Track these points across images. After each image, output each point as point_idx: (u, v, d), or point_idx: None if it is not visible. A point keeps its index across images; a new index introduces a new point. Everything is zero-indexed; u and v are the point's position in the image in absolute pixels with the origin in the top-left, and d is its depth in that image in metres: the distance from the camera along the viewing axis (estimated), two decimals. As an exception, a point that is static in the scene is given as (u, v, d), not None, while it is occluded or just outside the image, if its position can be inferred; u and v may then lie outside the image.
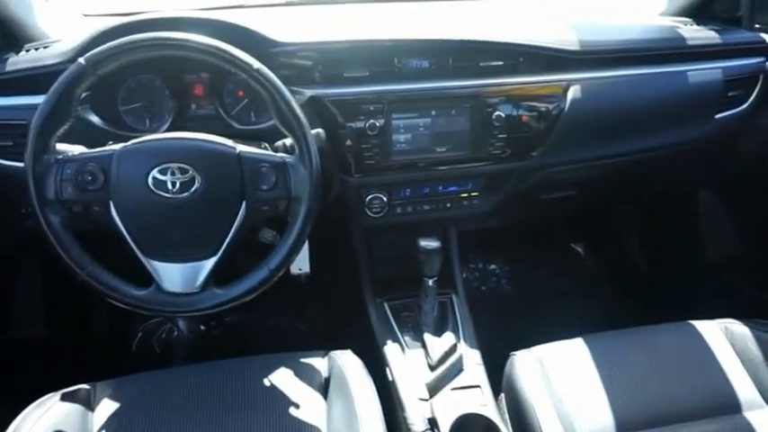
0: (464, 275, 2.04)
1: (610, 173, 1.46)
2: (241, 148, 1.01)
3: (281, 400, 0.99)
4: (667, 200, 1.81)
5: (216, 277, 1.01)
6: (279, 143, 1.11)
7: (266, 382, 1.02)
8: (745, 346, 1.10)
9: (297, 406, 0.99)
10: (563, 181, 1.44)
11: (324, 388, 1.04)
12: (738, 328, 1.13)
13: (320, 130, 1.11)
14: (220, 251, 1.00)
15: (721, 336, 1.12)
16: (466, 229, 1.52)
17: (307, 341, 1.60)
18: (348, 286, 1.47)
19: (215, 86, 1.24)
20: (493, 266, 2.10)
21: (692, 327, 1.14)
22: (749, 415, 1.00)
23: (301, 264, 1.32)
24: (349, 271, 1.44)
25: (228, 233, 0.99)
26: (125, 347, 1.85)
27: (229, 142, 1.01)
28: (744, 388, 1.04)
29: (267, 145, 1.11)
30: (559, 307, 1.85)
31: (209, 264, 0.99)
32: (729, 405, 1.02)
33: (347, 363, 1.06)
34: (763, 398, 1.03)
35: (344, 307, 1.58)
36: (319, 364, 1.08)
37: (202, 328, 1.94)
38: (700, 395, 1.02)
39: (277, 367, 1.05)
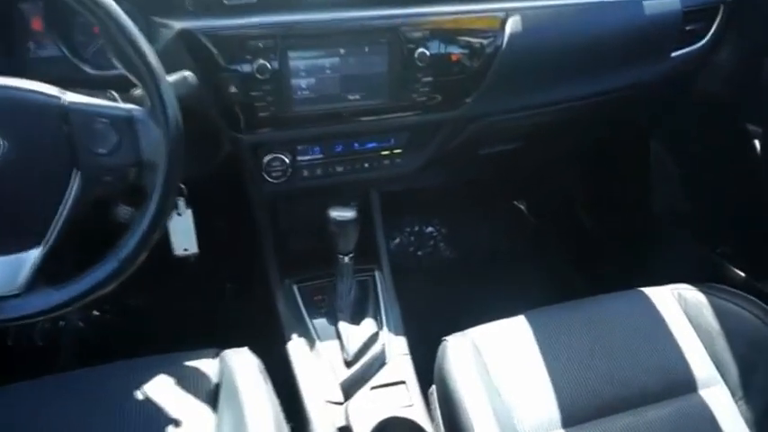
0: (397, 240, 1.85)
1: (554, 122, 1.28)
2: (70, 97, 0.74)
3: (158, 417, 0.85)
4: (615, 151, 1.64)
5: (47, 273, 0.76)
6: (135, 92, 0.85)
7: (144, 392, 0.88)
8: (699, 313, 1.01)
9: (177, 423, 0.84)
10: (502, 132, 1.24)
11: (213, 396, 0.88)
12: (692, 294, 1.04)
13: (187, 74, 0.85)
14: (49, 238, 0.75)
15: (674, 303, 1.03)
16: (391, 188, 1.30)
17: (210, 329, 1.37)
18: (250, 267, 1.24)
19: (58, 19, 0.95)
20: (430, 229, 1.92)
21: (643, 295, 1.04)
22: (706, 393, 0.93)
23: (186, 242, 1.08)
24: (251, 248, 1.20)
25: (57, 214, 0.74)
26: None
27: (54, 90, 0.74)
28: (700, 362, 0.96)
29: (116, 95, 0.84)
30: (502, 274, 1.69)
31: (34, 256, 0.74)
32: (685, 383, 0.93)
33: (241, 364, 0.90)
34: (719, 372, 0.95)
35: (247, 292, 1.35)
36: (209, 367, 0.91)
37: (95, 313, 1.68)
38: (654, 374, 0.93)
39: (157, 373, 0.90)
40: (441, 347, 0.98)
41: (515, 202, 2.00)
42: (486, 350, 0.95)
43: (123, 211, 0.87)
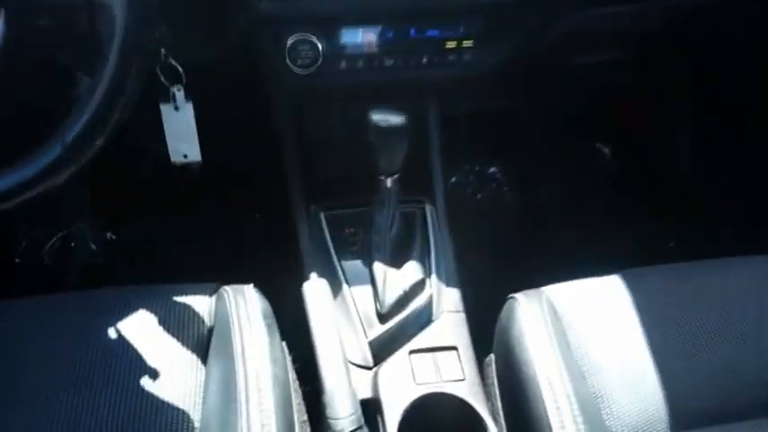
0: (453, 180, 1.57)
1: (671, 27, 0.95)
2: None
3: (138, 368, 0.70)
4: (744, 92, 1.29)
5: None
6: None
7: (123, 327, 0.73)
8: None
9: (155, 374, 0.69)
10: (606, 33, 0.93)
11: (204, 343, 0.72)
12: None
13: None
14: None
15: None
16: (453, 111, 1.02)
17: (225, 261, 1.15)
18: (267, 185, 1.00)
19: None
20: (493, 169, 1.62)
21: None
22: None
23: (186, 147, 0.84)
24: (269, 161, 0.96)
25: None
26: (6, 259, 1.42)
27: None
28: None
29: None
30: (577, 228, 1.40)
31: None
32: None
33: (240, 304, 0.72)
34: None
35: (270, 220, 1.12)
36: (203, 305, 0.75)
37: (109, 236, 1.50)
38: None
39: (143, 307, 0.75)
40: (506, 306, 0.78)
41: (598, 144, 1.67)
42: (567, 314, 0.74)
43: (83, 81, 0.63)
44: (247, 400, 0.63)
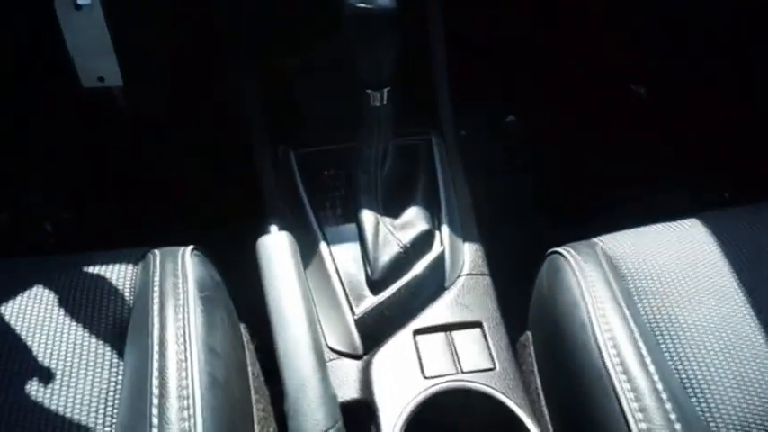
0: (462, 133, 1.35)
1: None
2: None
3: (31, 365, 0.52)
4: None
5: None
6: None
7: (17, 317, 0.56)
8: None
9: (52, 375, 0.52)
10: None
11: (122, 328, 0.54)
12: None
13: None
14: None
15: None
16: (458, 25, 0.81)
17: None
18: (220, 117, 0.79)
19: None
20: (510, 117, 1.41)
21: None
22: None
23: (100, 65, 0.62)
24: (220, 87, 0.74)
25: None
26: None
27: None
28: None
29: None
30: (619, 181, 1.18)
31: None
32: None
33: (168, 273, 0.54)
34: None
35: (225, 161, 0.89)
36: (123, 277, 0.57)
37: (62, 212, 1.30)
38: None
39: (49, 283, 0.57)
40: (547, 265, 0.60)
41: (632, 86, 1.45)
42: (633, 270, 0.58)
43: None
44: (162, 412, 0.41)
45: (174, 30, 0.72)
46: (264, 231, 0.56)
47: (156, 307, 0.50)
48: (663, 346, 0.52)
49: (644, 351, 0.49)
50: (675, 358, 0.51)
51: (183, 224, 0.96)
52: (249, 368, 0.55)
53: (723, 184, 1.27)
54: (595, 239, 0.62)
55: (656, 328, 0.54)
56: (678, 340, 0.53)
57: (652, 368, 0.49)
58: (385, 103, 0.60)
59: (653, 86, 1.44)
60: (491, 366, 0.55)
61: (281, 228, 0.55)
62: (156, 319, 0.49)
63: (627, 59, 1.37)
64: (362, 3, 0.53)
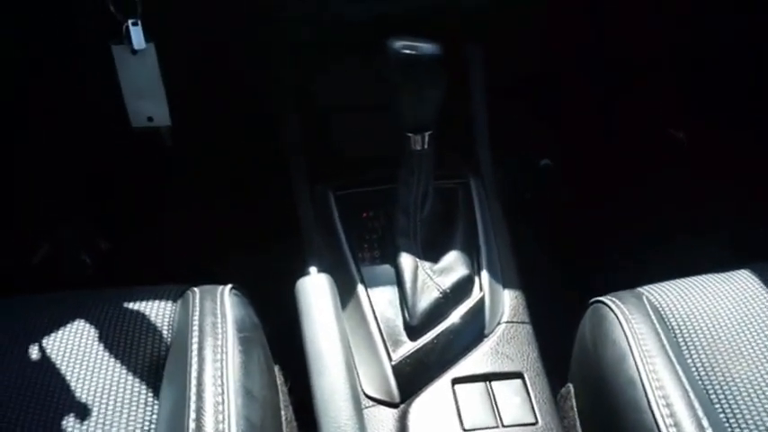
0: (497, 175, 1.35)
1: None
2: None
3: (68, 403, 0.52)
4: None
5: None
6: None
7: (54, 353, 0.56)
8: None
9: (88, 412, 0.51)
10: None
11: (159, 367, 0.54)
12: None
13: None
14: None
15: None
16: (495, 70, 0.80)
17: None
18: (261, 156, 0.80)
19: None
20: (545, 161, 1.40)
21: None
22: None
23: (150, 106, 0.64)
24: (265, 129, 0.75)
25: None
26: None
27: None
28: None
29: None
30: (657, 223, 1.14)
31: None
32: None
33: (207, 312, 0.53)
34: None
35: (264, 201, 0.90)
36: (162, 315, 0.57)
37: (101, 242, 1.33)
38: None
39: (89, 318, 0.58)
40: (590, 314, 0.58)
41: (671, 130, 1.42)
42: (681, 321, 0.55)
43: None
44: None
45: (221, 73, 0.75)
46: (304, 273, 0.56)
47: (194, 347, 0.50)
48: (718, 406, 0.49)
49: (700, 413, 0.46)
50: (732, 421, 0.48)
51: (220, 258, 0.97)
52: (282, 411, 0.54)
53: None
54: (640, 289, 0.59)
55: (710, 387, 0.51)
56: (734, 401, 0.50)
57: (705, 421, 0.46)
58: (426, 146, 0.60)
59: (692, 131, 1.42)
60: (533, 421, 0.53)
61: (320, 269, 0.54)
62: (194, 360, 0.49)
63: (666, 104, 1.36)
64: (408, 49, 0.54)
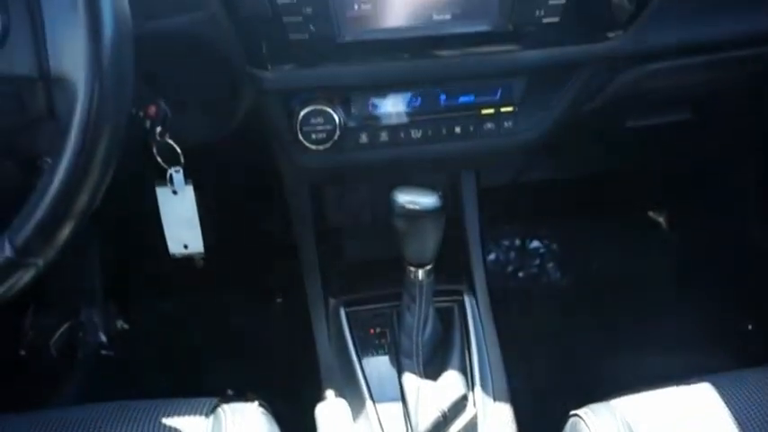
0: (491, 256, 1.43)
1: (741, 81, 0.84)
2: None
3: None
4: None
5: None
6: None
7: None
8: None
9: None
10: (666, 91, 0.81)
11: None
12: None
13: None
14: None
15: None
16: (489, 182, 0.90)
17: (240, 357, 1.03)
18: (281, 276, 0.88)
19: None
20: (536, 243, 1.48)
21: None
22: None
23: (187, 236, 0.73)
24: (284, 245, 0.84)
25: None
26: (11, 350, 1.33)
27: None
28: None
29: None
30: (638, 308, 1.24)
31: None
32: None
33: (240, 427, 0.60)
34: None
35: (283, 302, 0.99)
36: (197, 429, 0.63)
37: (121, 325, 1.41)
38: None
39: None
40: (568, 427, 0.65)
41: (650, 213, 1.52)
42: None
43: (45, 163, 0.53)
44: None
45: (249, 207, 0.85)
46: (322, 395, 0.64)
47: None
48: None
49: None
50: None
51: (236, 360, 1.05)
52: None
53: (744, 314, 1.30)
54: (613, 402, 0.65)
55: None
56: None
57: None
58: (425, 277, 0.70)
59: (672, 214, 1.51)
60: None
61: (337, 393, 0.62)
62: None
63: (647, 188, 1.46)
64: (411, 204, 0.64)
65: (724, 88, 0.84)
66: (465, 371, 0.70)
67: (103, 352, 1.34)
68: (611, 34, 0.69)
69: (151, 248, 0.84)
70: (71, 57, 0.42)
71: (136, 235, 0.98)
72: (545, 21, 0.65)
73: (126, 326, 1.40)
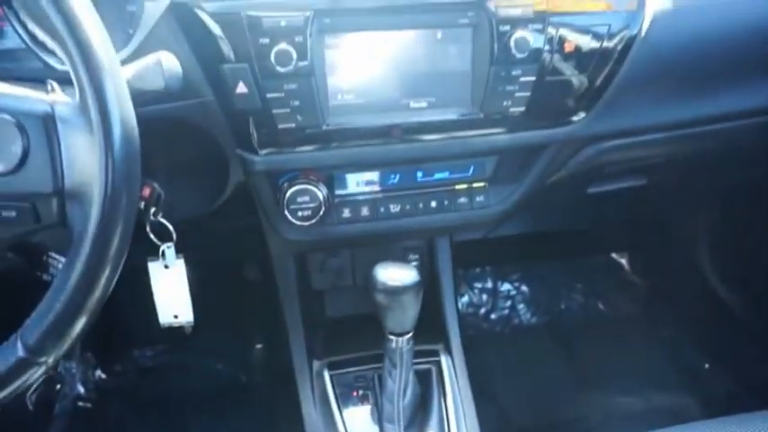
0: (464, 299, 1.48)
1: (693, 152, 0.91)
2: None
3: None
4: (760, 195, 1.24)
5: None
6: None
7: None
8: None
9: None
10: (623, 164, 0.88)
11: None
12: None
13: (164, 56, 0.55)
14: None
15: None
16: (464, 237, 0.96)
17: (222, 408, 1.05)
18: (269, 340, 0.92)
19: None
20: (507, 286, 1.55)
21: None
22: None
23: (177, 307, 0.76)
24: (268, 314, 0.88)
25: None
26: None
27: None
28: None
29: (57, 87, 0.54)
30: (604, 347, 1.29)
31: None
32: None
33: None
34: None
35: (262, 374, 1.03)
36: None
37: (99, 375, 1.41)
38: None
39: None
40: None
41: (614, 255, 1.60)
42: None
43: (54, 263, 0.57)
44: None
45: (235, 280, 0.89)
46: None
47: None
48: None
49: None
50: None
51: (217, 412, 1.07)
52: None
53: (702, 354, 1.38)
54: None
55: None
56: None
57: None
58: (405, 345, 0.74)
59: (634, 257, 1.59)
60: None
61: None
62: None
63: (609, 235, 1.53)
64: (392, 281, 0.69)
65: (679, 159, 0.92)
66: (443, 428, 0.74)
67: (80, 404, 1.34)
68: (574, 118, 0.76)
69: (136, 311, 0.87)
70: (86, 173, 0.46)
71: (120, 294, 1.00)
72: (512, 110, 0.71)
73: (104, 375, 1.40)
